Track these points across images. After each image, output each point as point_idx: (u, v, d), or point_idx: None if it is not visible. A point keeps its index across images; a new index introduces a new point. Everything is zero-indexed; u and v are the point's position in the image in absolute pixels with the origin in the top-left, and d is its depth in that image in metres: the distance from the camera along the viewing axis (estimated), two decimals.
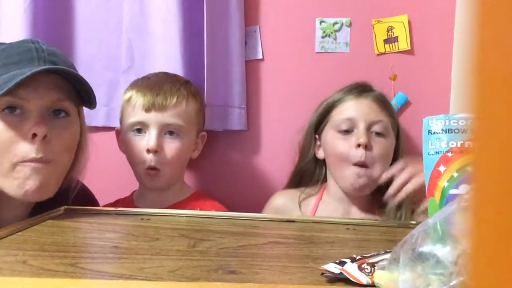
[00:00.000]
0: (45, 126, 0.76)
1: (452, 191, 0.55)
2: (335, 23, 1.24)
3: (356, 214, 1.05)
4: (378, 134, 1.02)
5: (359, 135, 1.00)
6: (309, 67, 1.24)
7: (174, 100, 1.01)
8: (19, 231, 0.65)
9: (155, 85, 1.03)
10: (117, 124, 1.13)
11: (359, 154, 0.99)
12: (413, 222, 0.79)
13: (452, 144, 0.56)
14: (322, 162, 1.11)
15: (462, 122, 0.56)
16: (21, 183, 0.75)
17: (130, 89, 1.05)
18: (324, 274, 0.49)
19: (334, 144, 1.04)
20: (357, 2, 1.24)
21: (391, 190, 0.95)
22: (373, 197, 1.06)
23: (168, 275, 0.48)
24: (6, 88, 0.72)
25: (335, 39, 1.24)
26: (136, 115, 1.00)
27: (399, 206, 1.00)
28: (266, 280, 0.48)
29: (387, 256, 0.47)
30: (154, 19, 1.19)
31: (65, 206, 0.81)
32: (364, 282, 0.46)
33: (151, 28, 1.19)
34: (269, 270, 0.52)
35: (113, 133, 1.13)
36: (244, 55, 1.24)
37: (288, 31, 1.25)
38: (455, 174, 0.55)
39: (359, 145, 0.99)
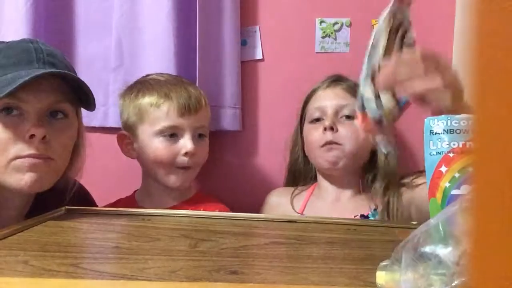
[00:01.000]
0: (44, 128, 0.76)
1: (454, 192, 0.55)
2: (335, 23, 1.24)
3: (345, 200, 1.07)
4: (348, 117, 1.05)
5: (326, 119, 1.04)
6: (309, 67, 1.25)
7: (203, 102, 1.04)
8: (20, 232, 0.65)
9: (181, 88, 1.02)
10: (114, 124, 1.12)
11: (326, 137, 1.03)
12: (414, 222, 0.79)
13: (453, 144, 0.56)
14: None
15: (463, 123, 0.56)
16: (18, 176, 0.76)
17: (149, 93, 1.02)
18: None
19: (308, 134, 1.09)
20: (357, 2, 1.24)
21: (379, 76, 0.68)
22: (361, 181, 1.09)
23: (170, 276, 0.48)
24: (7, 91, 0.72)
25: (335, 39, 1.24)
26: (170, 120, 0.99)
27: (386, 187, 1.03)
28: (268, 280, 0.48)
29: None
30: (145, 17, 1.17)
31: (66, 207, 0.81)
32: None
33: (142, 26, 1.18)
34: (270, 270, 0.52)
35: (112, 133, 1.12)
36: (240, 55, 1.23)
37: (288, 31, 1.25)
38: (457, 175, 0.55)
39: (325, 129, 1.03)
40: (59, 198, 0.85)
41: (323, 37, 1.25)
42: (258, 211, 1.14)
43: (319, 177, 1.12)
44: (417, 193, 0.99)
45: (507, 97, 0.20)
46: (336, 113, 1.05)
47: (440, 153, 0.57)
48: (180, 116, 0.99)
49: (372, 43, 0.72)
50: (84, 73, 1.23)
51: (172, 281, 0.47)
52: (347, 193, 1.08)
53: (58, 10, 1.22)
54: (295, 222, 0.79)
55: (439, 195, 0.55)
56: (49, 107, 0.79)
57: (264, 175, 1.27)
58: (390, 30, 0.71)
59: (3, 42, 0.83)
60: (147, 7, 1.17)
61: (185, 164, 1.01)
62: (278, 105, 1.26)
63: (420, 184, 0.99)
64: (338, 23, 1.24)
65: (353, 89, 1.06)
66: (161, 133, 1.00)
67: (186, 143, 1.00)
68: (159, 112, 1.00)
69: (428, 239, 0.39)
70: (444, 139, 0.57)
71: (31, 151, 0.76)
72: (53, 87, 0.79)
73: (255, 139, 1.27)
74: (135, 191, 1.11)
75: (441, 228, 0.38)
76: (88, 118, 1.24)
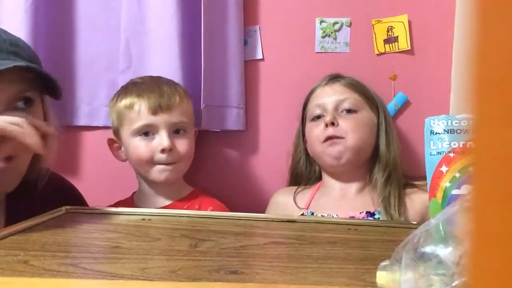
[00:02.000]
0: None
1: (454, 192, 0.55)
2: (335, 23, 1.24)
3: (351, 196, 1.07)
4: (348, 111, 1.05)
5: (326, 115, 1.05)
6: (309, 67, 1.24)
7: (177, 99, 1.04)
8: (20, 231, 0.65)
9: (154, 87, 1.04)
10: None
11: (327, 132, 1.03)
12: (415, 222, 0.79)
13: (454, 144, 0.56)
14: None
15: (464, 123, 0.56)
16: None
17: (124, 96, 1.05)
18: None
19: (309, 132, 1.09)
20: (357, 2, 1.24)
21: None
22: (368, 178, 1.08)
23: (170, 275, 0.49)
24: None
25: (335, 39, 1.24)
26: (142, 119, 1.01)
27: (387, 178, 1.03)
28: (268, 280, 0.48)
29: None
30: (152, 20, 1.19)
31: (66, 206, 0.81)
32: None
33: (149, 29, 1.19)
34: (270, 270, 0.52)
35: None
36: (243, 55, 1.24)
37: (288, 31, 1.25)
38: (457, 175, 0.55)
39: (326, 125, 1.03)
40: (31, 188, 0.82)
41: (323, 37, 1.25)
42: (261, 210, 1.14)
43: (324, 175, 1.12)
44: None
45: (506, 97, 0.20)
46: (336, 108, 1.06)
47: (440, 153, 0.57)
48: (152, 114, 1.01)
49: None
50: (84, 73, 1.24)
51: (172, 281, 0.47)
52: (353, 190, 1.08)
53: (58, 10, 1.22)
54: (295, 222, 0.79)
55: (439, 195, 0.55)
56: (13, 98, 0.75)
57: (266, 175, 1.27)
58: None
59: None
60: (154, 10, 1.18)
61: (164, 160, 1.03)
62: (278, 105, 1.26)
63: None
64: (338, 23, 1.24)
65: (352, 84, 1.08)
66: (137, 132, 1.03)
67: (161, 140, 1.02)
68: (133, 113, 1.02)
69: (428, 239, 0.39)
70: (444, 139, 0.57)
71: None
72: (15, 77, 0.74)
73: (257, 138, 1.27)
74: (133, 192, 1.12)
75: (441, 228, 0.38)
76: (91, 118, 1.25)
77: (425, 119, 0.59)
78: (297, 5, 1.25)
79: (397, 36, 1.22)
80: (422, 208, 0.99)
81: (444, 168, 0.56)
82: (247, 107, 1.26)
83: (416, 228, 0.42)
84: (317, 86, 1.12)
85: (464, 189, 0.54)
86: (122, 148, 1.07)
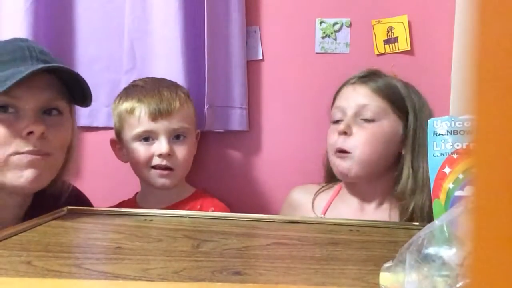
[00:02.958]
0: (42, 125, 0.77)
1: (458, 193, 0.55)
2: (335, 23, 1.24)
3: (371, 210, 1.02)
4: (366, 120, 0.98)
5: (343, 122, 0.99)
6: (309, 67, 1.25)
7: (178, 105, 1.03)
8: (23, 232, 0.65)
9: (154, 92, 1.04)
10: None
11: (338, 143, 0.99)
12: (417, 224, 0.79)
13: (457, 145, 0.56)
14: None
15: (467, 124, 0.56)
16: (17, 173, 0.76)
17: (125, 100, 1.05)
18: None
19: (328, 135, 1.04)
20: (357, 2, 1.24)
21: None
22: (390, 195, 1.01)
23: (173, 276, 0.49)
24: (6, 87, 0.72)
25: (335, 39, 1.24)
26: (143, 125, 1.01)
27: (412, 190, 0.96)
28: (271, 281, 0.48)
29: None
30: (156, 21, 1.19)
31: (68, 207, 0.81)
32: None
33: (153, 30, 1.19)
34: (273, 271, 0.52)
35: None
36: (246, 55, 1.24)
37: (288, 32, 1.25)
38: (461, 176, 0.55)
39: (339, 133, 0.98)
40: (55, 200, 0.85)
41: (323, 38, 1.25)
42: (264, 211, 1.14)
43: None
44: None
45: (507, 97, 0.20)
46: (357, 113, 0.99)
47: (443, 154, 0.57)
48: (152, 120, 1.01)
49: None
50: (84, 73, 1.22)
51: (175, 282, 0.47)
52: (373, 203, 1.02)
53: (58, 10, 1.22)
54: (298, 222, 0.79)
55: (442, 196, 0.56)
56: (44, 104, 0.79)
57: (269, 175, 1.27)
58: None
59: None
60: (157, 11, 1.18)
61: (162, 165, 1.02)
62: (278, 105, 1.26)
63: None
64: (338, 23, 1.24)
65: (380, 90, 1.00)
66: (137, 138, 1.03)
67: (160, 146, 1.01)
68: (133, 118, 1.02)
69: (432, 240, 0.39)
70: (447, 140, 0.57)
71: (30, 147, 0.76)
72: (47, 84, 0.79)
73: (260, 139, 1.27)
74: (136, 193, 1.12)
75: (445, 230, 0.38)
76: (91, 118, 1.24)
77: (428, 120, 0.59)
78: (297, 5, 1.25)
79: (397, 37, 1.23)
80: None
81: (447, 170, 0.56)
82: (249, 108, 1.26)
83: (418, 229, 0.42)
84: (346, 83, 1.05)
85: (467, 191, 0.54)
86: (124, 150, 1.08)
